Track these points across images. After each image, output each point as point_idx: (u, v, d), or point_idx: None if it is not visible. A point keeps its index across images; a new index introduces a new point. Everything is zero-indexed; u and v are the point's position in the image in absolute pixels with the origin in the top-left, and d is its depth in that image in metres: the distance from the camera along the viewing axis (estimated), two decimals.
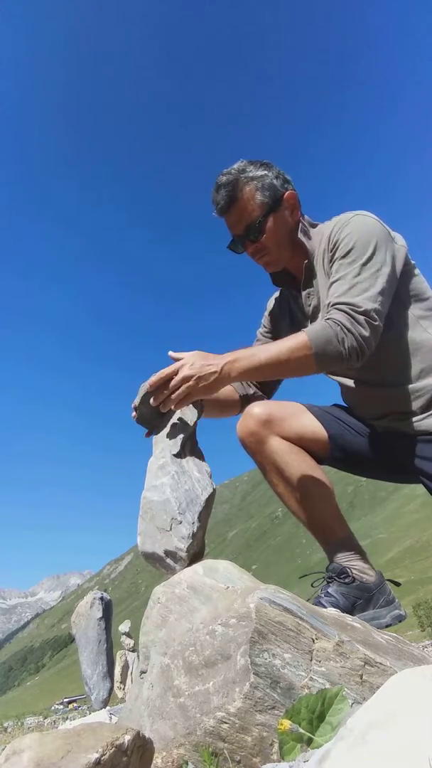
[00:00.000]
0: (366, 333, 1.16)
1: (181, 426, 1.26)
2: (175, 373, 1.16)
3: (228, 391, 1.64)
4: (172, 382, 1.16)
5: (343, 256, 1.28)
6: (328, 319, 1.19)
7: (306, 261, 1.45)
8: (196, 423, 1.32)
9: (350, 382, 1.46)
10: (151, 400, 1.21)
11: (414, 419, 1.34)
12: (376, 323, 1.19)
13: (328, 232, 1.38)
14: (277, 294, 1.67)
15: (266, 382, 1.67)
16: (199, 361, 1.17)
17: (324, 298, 1.38)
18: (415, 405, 1.33)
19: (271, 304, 1.69)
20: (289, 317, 1.60)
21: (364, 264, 1.24)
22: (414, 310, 1.36)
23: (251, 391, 1.66)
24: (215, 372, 1.15)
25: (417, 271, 1.39)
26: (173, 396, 1.16)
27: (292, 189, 1.45)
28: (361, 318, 1.17)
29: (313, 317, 1.44)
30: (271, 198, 1.39)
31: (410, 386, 1.33)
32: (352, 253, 1.27)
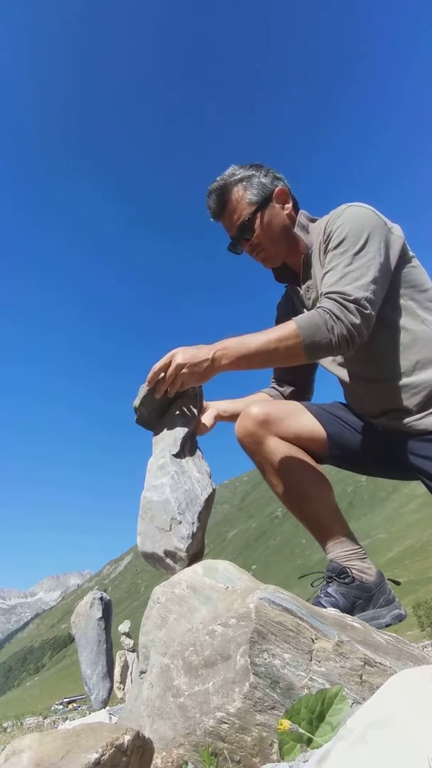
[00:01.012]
0: (356, 320, 1.16)
1: (182, 424, 1.26)
2: (169, 363, 1.20)
3: (261, 397, 1.68)
4: (168, 372, 1.20)
5: (336, 247, 1.29)
6: (318, 307, 1.20)
7: (303, 255, 1.46)
8: (196, 422, 1.32)
9: (347, 377, 1.46)
10: (154, 394, 1.24)
11: (413, 418, 1.33)
12: (368, 311, 1.19)
13: (323, 224, 1.39)
14: (284, 291, 1.70)
15: (299, 381, 1.69)
16: (191, 350, 1.20)
17: (320, 290, 1.39)
18: (412, 402, 1.32)
19: (280, 299, 1.72)
20: (292, 312, 1.61)
21: (356, 253, 1.25)
22: (411, 302, 1.35)
23: (287, 392, 1.68)
24: (207, 359, 1.18)
25: (416, 262, 1.39)
26: (166, 381, 1.21)
27: (283, 185, 1.47)
28: (352, 306, 1.17)
29: None
30: (260, 196, 1.44)
31: (406, 380, 1.32)
32: (345, 243, 1.27)
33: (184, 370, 1.18)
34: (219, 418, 1.60)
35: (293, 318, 1.20)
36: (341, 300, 1.18)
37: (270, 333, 1.19)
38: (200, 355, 1.18)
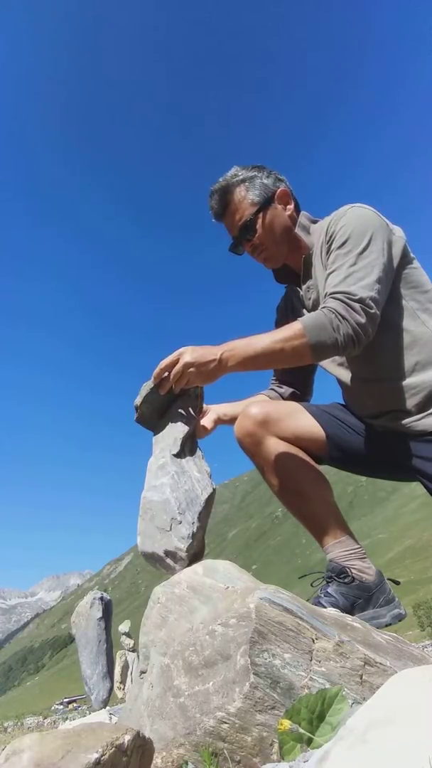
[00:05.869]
0: (362, 320, 1.17)
1: (182, 424, 1.27)
2: (177, 361, 1.20)
3: (260, 399, 1.67)
4: (174, 369, 1.20)
5: (339, 247, 1.29)
6: (323, 307, 1.20)
7: (304, 255, 1.47)
8: (196, 422, 1.32)
9: (347, 378, 1.47)
10: (159, 390, 1.25)
11: (411, 419, 1.33)
12: (373, 311, 1.19)
13: (325, 225, 1.40)
14: (284, 292, 1.70)
15: (298, 382, 1.69)
16: (199, 349, 1.21)
17: (322, 290, 1.39)
18: (411, 403, 1.32)
19: (279, 301, 1.72)
20: (293, 313, 1.61)
21: (360, 254, 1.25)
22: (412, 303, 1.35)
23: (287, 393, 1.68)
24: (214, 360, 1.19)
25: (416, 263, 1.39)
26: (172, 378, 1.21)
27: (285, 186, 1.48)
28: (357, 305, 1.17)
29: (314, 310, 1.46)
30: (262, 196, 1.45)
31: (405, 381, 1.33)
32: (348, 243, 1.28)
33: (191, 369, 1.19)
34: (219, 421, 1.60)
35: (299, 318, 1.21)
36: (346, 300, 1.18)
37: (276, 334, 1.19)
38: (208, 356, 1.19)
